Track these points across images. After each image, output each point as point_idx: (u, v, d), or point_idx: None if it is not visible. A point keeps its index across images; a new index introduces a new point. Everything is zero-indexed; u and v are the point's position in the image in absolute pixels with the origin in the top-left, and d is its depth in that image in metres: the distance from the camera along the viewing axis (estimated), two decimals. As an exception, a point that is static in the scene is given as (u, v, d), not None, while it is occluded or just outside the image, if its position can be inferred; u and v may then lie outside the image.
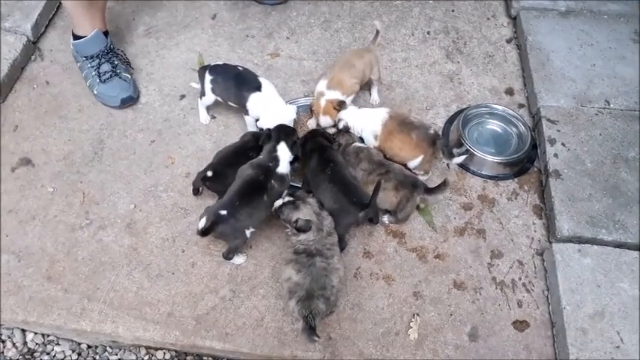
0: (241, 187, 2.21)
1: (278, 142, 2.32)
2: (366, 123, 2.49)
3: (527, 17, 3.14)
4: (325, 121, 2.56)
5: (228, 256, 2.25)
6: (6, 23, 2.98)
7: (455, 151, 2.62)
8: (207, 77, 2.57)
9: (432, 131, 2.45)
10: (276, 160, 2.29)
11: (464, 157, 2.52)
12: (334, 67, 2.61)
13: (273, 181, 2.24)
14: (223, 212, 2.14)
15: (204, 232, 2.15)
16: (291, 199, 2.19)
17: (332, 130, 2.57)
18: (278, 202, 2.21)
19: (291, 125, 2.56)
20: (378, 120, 2.47)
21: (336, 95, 2.53)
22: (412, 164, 2.48)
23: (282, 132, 2.36)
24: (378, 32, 2.76)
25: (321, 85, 2.57)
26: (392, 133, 2.45)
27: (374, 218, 2.35)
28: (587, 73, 2.87)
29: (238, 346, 2.11)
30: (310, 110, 2.64)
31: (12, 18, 2.99)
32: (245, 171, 2.26)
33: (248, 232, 2.21)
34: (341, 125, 2.51)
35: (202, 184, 2.38)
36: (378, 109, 2.57)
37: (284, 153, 2.31)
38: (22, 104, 2.82)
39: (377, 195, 2.21)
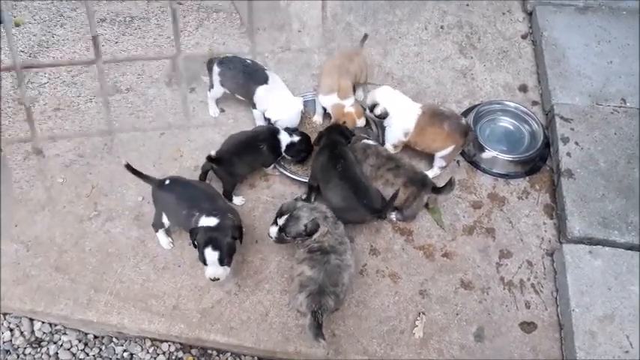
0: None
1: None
2: (399, 119, 2.44)
3: (544, 12, 3.09)
4: (362, 122, 2.57)
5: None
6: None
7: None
8: (216, 69, 2.56)
9: (463, 122, 2.42)
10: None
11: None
12: (332, 76, 2.54)
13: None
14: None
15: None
16: (285, 217, 2.10)
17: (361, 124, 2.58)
18: (273, 231, 2.14)
19: (299, 117, 2.57)
20: (412, 118, 2.41)
21: (352, 100, 2.54)
22: (441, 154, 2.45)
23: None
24: (366, 36, 2.72)
25: (333, 99, 2.54)
26: (424, 127, 2.41)
27: (382, 213, 2.34)
28: (604, 70, 2.81)
29: (242, 340, 2.11)
30: None
31: None
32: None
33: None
34: (378, 111, 2.44)
35: (210, 166, 2.37)
36: (412, 104, 2.47)
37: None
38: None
39: (393, 202, 2.19)
